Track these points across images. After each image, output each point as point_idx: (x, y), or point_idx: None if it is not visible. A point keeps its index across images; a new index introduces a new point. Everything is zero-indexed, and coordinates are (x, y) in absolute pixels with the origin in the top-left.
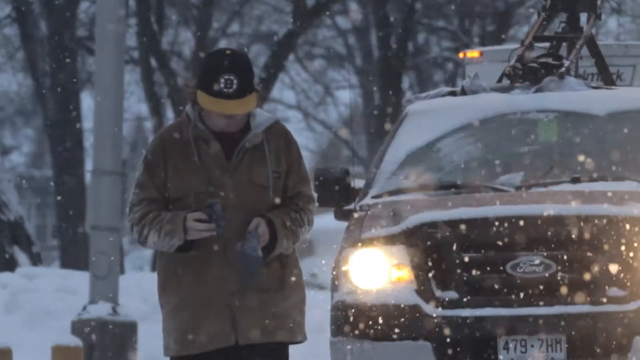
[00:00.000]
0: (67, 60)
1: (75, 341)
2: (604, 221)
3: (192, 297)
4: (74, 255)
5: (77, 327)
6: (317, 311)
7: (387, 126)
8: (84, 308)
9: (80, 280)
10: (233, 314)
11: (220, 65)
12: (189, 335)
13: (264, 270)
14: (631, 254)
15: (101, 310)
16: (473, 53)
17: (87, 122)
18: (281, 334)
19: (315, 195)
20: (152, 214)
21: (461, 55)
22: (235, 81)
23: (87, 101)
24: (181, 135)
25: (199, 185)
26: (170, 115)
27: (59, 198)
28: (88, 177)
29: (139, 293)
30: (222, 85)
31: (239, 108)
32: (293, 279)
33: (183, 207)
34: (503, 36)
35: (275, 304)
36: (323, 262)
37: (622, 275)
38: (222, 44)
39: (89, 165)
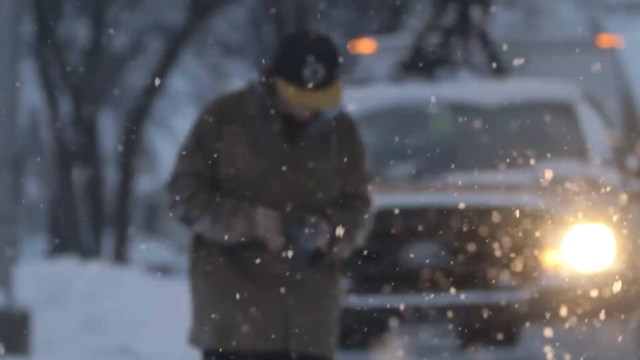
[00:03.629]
0: None
1: None
2: (495, 211)
3: (238, 290)
4: None
5: None
6: None
7: None
8: None
9: None
10: (285, 316)
11: (305, 52)
12: (231, 329)
13: (316, 275)
14: (521, 244)
15: None
16: (366, 43)
17: None
18: (326, 347)
19: (373, 199)
20: (205, 196)
21: (354, 45)
22: (322, 70)
23: None
24: (240, 105)
25: (251, 169)
26: (64, 108)
27: None
28: None
29: (35, 282)
30: (307, 74)
31: (328, 101)
32: (340, 291)
33: (235, 190)
34: (397, 27)
35: (327, 312)
36: None
37: (512, 265)
38: (118, 34)
39: None
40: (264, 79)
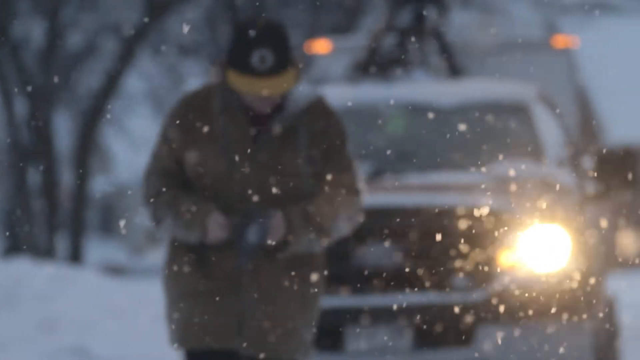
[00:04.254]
0: None
1: None
2: (451, 211)
3: (200, 289)
4: None
5: None
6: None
7: None
8: None
9: None
10: (240, 317)
11: (252, 38)
12: (191, 327)
13: (283, 279)
14: (477, 245)
15: None
16: (321, 44)
17: None
18: (286, 352)
19: (360, 186)
20: (170, 195)
21: (310, 46)
22: (270, 56)
23: None
24: (207, 102)
25: (217, 166)
26: (19, 108)
27: None
28: None
29: None
30: (255, 61)
31: (275, 87)
32: (315, 290)
33: (201, 188)
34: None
35: (289, 314)
36: None
37: (467, 265)
38: (72, 33)
39: None
40: (221, 72)
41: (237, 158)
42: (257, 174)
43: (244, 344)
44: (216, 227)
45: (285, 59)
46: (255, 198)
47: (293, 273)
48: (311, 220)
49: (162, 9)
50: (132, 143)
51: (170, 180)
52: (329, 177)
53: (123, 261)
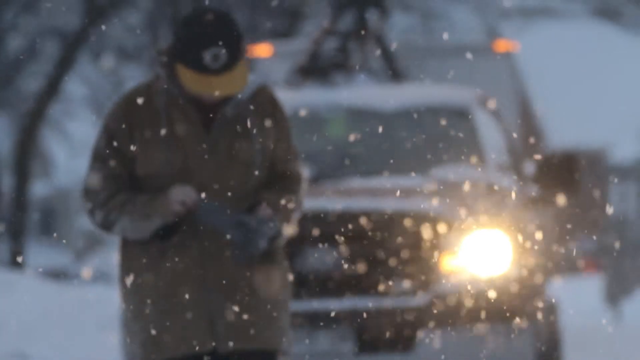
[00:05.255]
0: None
1: None
2: (392, 216)
3: (162, 295)
4: None
5: None
6: (106, 307)
7: None
8: None
9: None
10: (211, 316)
11: (203, 35)
12: (158, 337)
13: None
14: (417, 249)
15: None
16: (263, 48)
17: None
18: (268, 341)
19: (305, 174)
20: (122, 197)
21: (251, 50)
22: (223, 54)
23: None
24: (150, 99)
25: (171, 163)
26: None
27: None
28: None
29: None
30: (207, 60)
31: (232, 86)
32: (282, 280)
33: (155, 189)
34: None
35: (260, 305)
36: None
37: (409, 270)
38: (12, 37)
39: None
40: (164, 64)
41: (191, 154)
42: (214, 168)
43: (220, 341)
44: (180, 194)
45: (237, 53)
46: (214, 192)
47: (259, 266)
48: (282, 212)
49: (102, 13)
50: (72, 147)
51: (119, 185)
52: (282, 165)
53: (64, 265)
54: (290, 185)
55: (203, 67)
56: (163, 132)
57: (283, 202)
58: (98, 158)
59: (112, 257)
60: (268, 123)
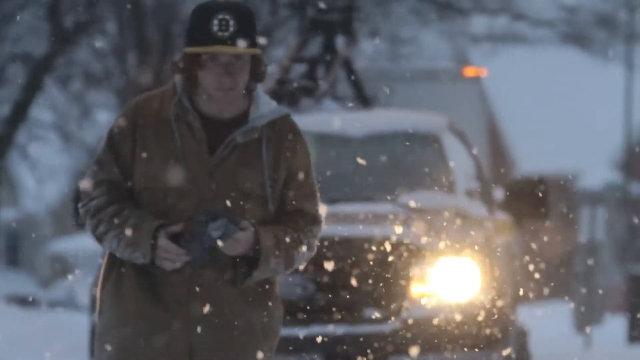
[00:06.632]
0: None
1: None
2: (361, 243)
3: (143, 316)
4: None
5: None
6: (74, 333)
7: None
8: None
9: None
10: (190, 352)
11: (212, 6)
12: (131, 349)
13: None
14: (387, 275)
15: None
16: None
17: None
18: (245, 353)
19: (321, 215)
20: (113, 208)
21: None
22: (231, 22)
23: None
24: (161, 107)
25: (170, 179)
26: None
27: None
28: None
29: None
30: (215, 27)
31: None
32: (273, 320)
33: (149, 203)
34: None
35: (245, 349)
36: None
37: (378, 296)
38: None
39: None
40: (182, 70)
41: (192, 174)
42: (214, 193)
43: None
44: (167, 259)
45: (246, 26)
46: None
47: (250, 299)
48: (279, 247)
49: (69, 38)
50: (38, 173)
51: (114, 194)
52: (293, 203)
53: (30, 292)
54: (297, 224)
55: (211, 36)
56: (166, 143)
57: (287, 239)
58: (97, 161)
59: (78, 283)
60: (282, 155)
